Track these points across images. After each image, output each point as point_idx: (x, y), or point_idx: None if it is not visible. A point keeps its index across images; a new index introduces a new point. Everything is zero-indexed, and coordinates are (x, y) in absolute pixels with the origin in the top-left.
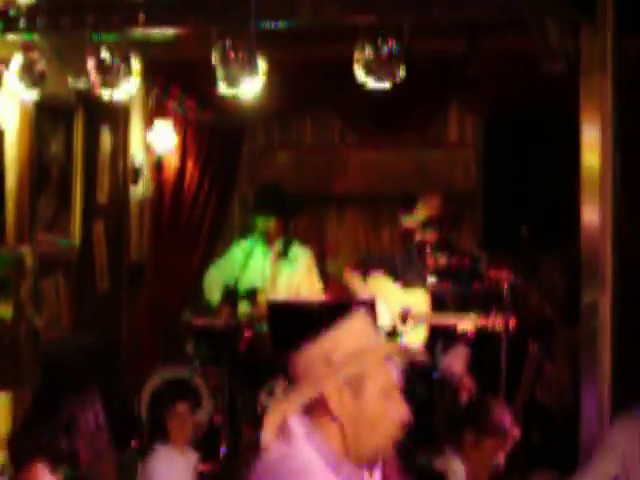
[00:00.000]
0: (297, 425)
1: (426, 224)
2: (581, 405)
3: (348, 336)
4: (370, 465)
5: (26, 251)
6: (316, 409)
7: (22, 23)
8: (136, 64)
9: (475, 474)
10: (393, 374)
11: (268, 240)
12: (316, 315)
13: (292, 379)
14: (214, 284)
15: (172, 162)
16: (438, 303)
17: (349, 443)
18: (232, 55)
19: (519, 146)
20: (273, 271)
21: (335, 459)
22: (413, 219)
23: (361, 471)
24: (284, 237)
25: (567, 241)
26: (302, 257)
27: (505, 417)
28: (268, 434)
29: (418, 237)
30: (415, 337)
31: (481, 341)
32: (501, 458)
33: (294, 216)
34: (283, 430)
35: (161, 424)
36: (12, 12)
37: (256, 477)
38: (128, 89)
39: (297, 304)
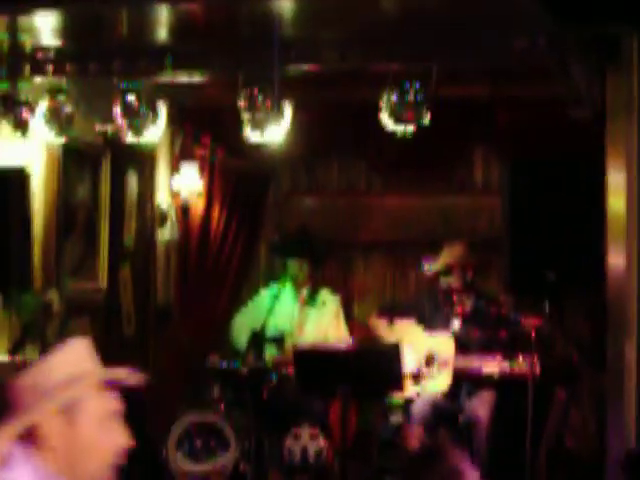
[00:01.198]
0: (15, 453)
1: (447, 271)
2: (607, 451)
3: (60, 364)
4: None
5: (53, 295)
6: (32, 437)
7: (49, 67)
8: (163, 109)
9: None
10: (112, 401)
11: (297, 285)
12: (342, 361)
13: (5, 410)
14: (241, 329)
15: (198, 206)
16: (463, 348)
17: (64, 470)
18: (258, 101)
19: (545, 191)
20: (301, 316)
21: None
22: (435, 267)
23: None
24: (312, 282)
25: (593, 286)
26: (330, 303)
27: (462, 458)
28: None
29: (443, 283)
30: (440, 382)
31: (506, 386)
32: None
33: (321, 261)
34: (3, 459)
35: None
36: (40, 56)
37: None
38: (154, 134)
39: (323, 350)
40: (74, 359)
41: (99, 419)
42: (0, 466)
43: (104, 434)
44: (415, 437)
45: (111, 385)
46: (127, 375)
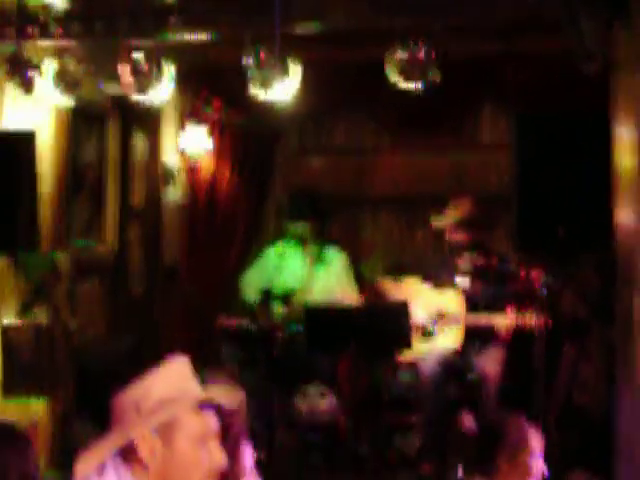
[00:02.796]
0: (111, 470)
1: (456, 226)
2: (617, 405)
3: (159, 383)
4: None
5: (61, 256)
6: (129, 455)
7: (55, 29)
8: (169, 69)
9: None
10: (208, 421)
11: (303, 244)
12: (351, 319)
13: (105, 421)
14: (250, 287)
15: (206, 166)
16: (472, 304)
17: None
18: (264, 58)
19: (554, 146)
20: (308, 274)
21: None
22: (443, 221)
23: None
24: (319, 240)
25: (602, 242)
26: (337, 260)
27: (522, 423)
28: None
29: (450, 239)
30: (450, 338)
31: (516, 341)
32: (538, 468)
33: (328, 219)
34: (99, 472)
35: None
36: (45, 18)
37: None
38: (161, 94)
39: (332, 308)
40: (174, 378)
41: (195, 439)
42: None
43: (199, 454)
44: (469, 420)
45: (208, 405)
46: (224, 396)
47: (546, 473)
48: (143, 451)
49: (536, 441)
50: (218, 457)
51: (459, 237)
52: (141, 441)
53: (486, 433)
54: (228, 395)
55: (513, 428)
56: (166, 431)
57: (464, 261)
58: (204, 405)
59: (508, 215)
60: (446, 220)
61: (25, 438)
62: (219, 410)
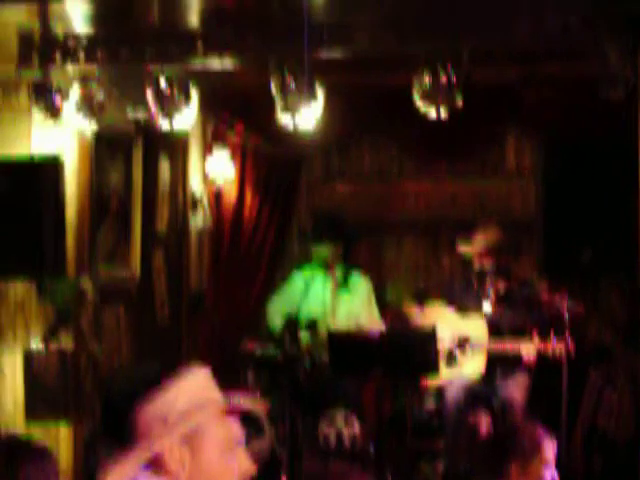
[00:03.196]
0: (140, 479)
1: (484, 252)
2: None
3: (183, 394)
4: None
5: (86, 282)
6: (157, 468)
7: (81, 55)
8: (195, 94)
9: None
10: (233, 428)
11: (328, 268)
12: (376, 346)
13: (131, 437)
14: (276, 314)
15: (231, 192)
16: (496, 330)
17: None
18: (290, 84)
19: (578, 172)
20: (333, 300)
21: None
22: (471, 247)
23: None
24: (343, 266)
25: (627, 267)
26: (361, 286)
27: (536, 430)
28: None
29: (477, 265)
30: (474, 364)
31: (541, 368)
32: (549, 478)
33: (353, 244)
34: None
35: None
36: (71, 43)
37: None
38: (187, 119)
39: (357, 335)
40: (197, 387)
41: (221, 446)
42: None
43: (226, 461)
44: (484, 424)
45: (231, 412)
46: (247, 402)
47: None
48: (172, 462)
49: (550, 450)
50: (246, 463)
51: (486, 263)
52: (169, 452)
53: (499, 438)
54: (252, 402)
55: (527, 435)
56: (193, 440)
57: (490, 287)
58: (229, 413)
59: (531, 241)
60: (474, 246)
61: (46, 453)
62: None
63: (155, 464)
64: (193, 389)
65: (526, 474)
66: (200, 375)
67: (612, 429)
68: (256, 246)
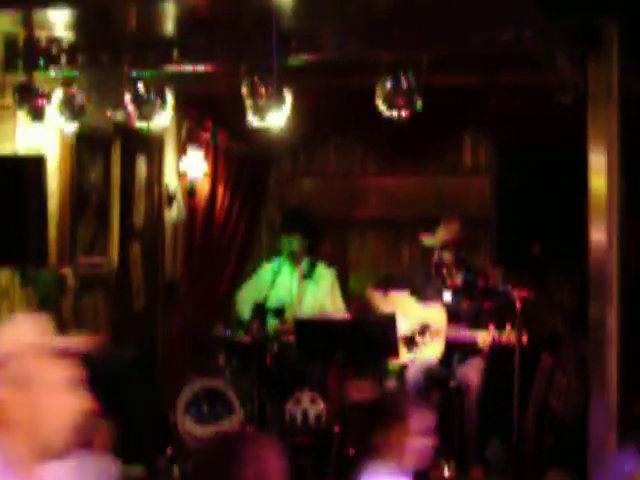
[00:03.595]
0: None
1: (445, 246)
2: (590, 411)
3: (7, 339)
4: (58, 456)
5: (67, 272)
6: None
7: (63, 59)
8: (170, 98)
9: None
10: (65, 368)
11: (294, 260)
12: (339, 331)
13: None
14: (245, 301)
15: (203, 188)
16: (454, 318)
17: (24, 439)
18: (259, 88)
19: (531, 172)
20: (299, 289)
21: (17, 459)
22: (434, 241)
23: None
24: (309, 258)
25: (576, 259)
26: (326, 277)
27: (406, 405)
28: None
29: (436, 257)
30: (432, 350)
31: (495, 353)
32: (415, 447)
33: (319, 238)
34: None
35: None
36: (54, 49)
37: None
38: (162, 121)
39: (322, 321)
40: (22, 333)
41: (54, 386)
42: None
43: (60, 400)
44: (358, 391)
45: (65, 353)
46: (77, 342)
47: (429, 454)
48: (4, 407)
49: (417, 422)
50: (79, 401)
51: (446, 255)
52: None
53: (368, 408)
54: (84, 343)
55: (394, 407)
56: (24, 383)
57: (448, 277)
58: (61, 356)
59: (487, 235)
60: (436, 239)
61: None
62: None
63: None
64: (19, 334)
65: (389, 442)
66: (23, 323)
67: (561, 409)
68: (227, 238)
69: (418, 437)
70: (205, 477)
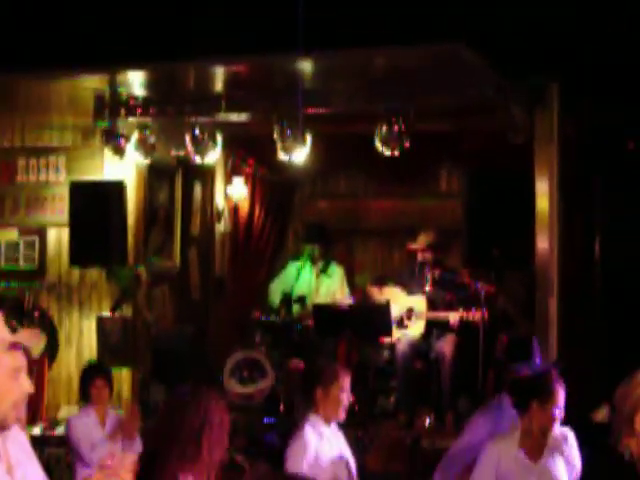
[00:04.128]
0: None
1: (425, 248)
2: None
3: None
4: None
5: (141, 270)
6: None
7: (138, 110)
8: (219, 139)
9: None
10: (19, 358)
11: (313, 261)
12: (347, 314)
13: None
14: (275, 292)
15: (244, 207)
16: (433, 305)
17: None
18: (287, 132)
19: (492, 195)
20: (316, 283)
21: None
22: (416, 244)
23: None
24: (325, 259)
25: (525, 261)
26: (337, 273)
27: (337, 368)
28: None
29: (419, 258)
30: (416, 328)
31: (464, 331)
32: (347, 400)
33: (331, 244)
34: None
35: None
36: (132, 102)
37: None
38: (213, 157)
39: (333, 307)
40: None
41: (8, 372)
42: None
43: (13, 383)
44: (298, 364)
45: (15, 345)
46: (28, 338)
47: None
48: None
49: (347, 380)
50: (26, 386)
51: (426, 256)
52: None
53: (307, 372)
54: (31, 338)
55: (328, 370)
56: None
57: (428, 273)
58: (13, 346)
59: (458, 242)
60: (418, 244)
61: (219, 396)
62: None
63: None
64: None
65: (327, 397)
66: None
67: None
68: (262, 245)
69: (347, 393)
70: (163, 421)
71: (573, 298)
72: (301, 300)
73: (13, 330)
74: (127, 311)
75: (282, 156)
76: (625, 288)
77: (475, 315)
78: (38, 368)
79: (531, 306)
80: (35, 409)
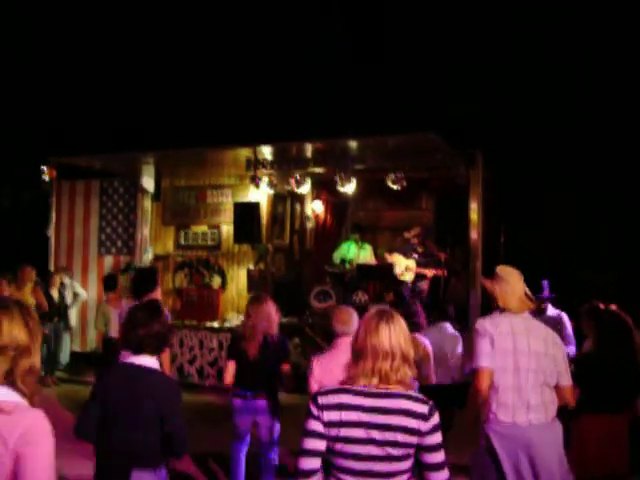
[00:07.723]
0: None
1: (414, 235)
2: (469, 302)
3: None
4: None
5: (269, 245)
6: None
7: (268, 166)
8: (308, 180)
9: None
10: None
11: (356, 242)
12: (373, 268)
13: None
14: (336, 257)
15: (321, 215)
16: (418, 265)
17: None
18: (342, 177)
19: (449, 212)
20: (357, 253)
21: None
22: (410, 234)
23: None
24: (361, 241)
25: (465, 243)
26: (368, 249)
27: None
28: None
29: (411, 241)
30: (410, 277)
31: (433, 279)
32: None
33: (364, 233)
34: None
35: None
36: (265, 162)
37: None
38: (305, 189)
39: (366, 265)
40: None
41: None
42: None
43: None
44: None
45: None
46: None
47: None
48: None
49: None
50: None
51: (416, 240)
52: None
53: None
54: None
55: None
56: None
57: (417, 248)
58: None
59: (431, 233)
60: (411, 234)
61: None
62: None
63: None
64: None
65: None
66: None
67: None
68: (329, 234)
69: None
70: (136, 319)
71: (489, 261)
72: (350, 261)
73: (203, 276)
74: (261, 265)
75: (340, 189)
76: (517, 256)
77: (439, 270)
78: (217, 294)
79: (467, 265)
80: (214, 314)
